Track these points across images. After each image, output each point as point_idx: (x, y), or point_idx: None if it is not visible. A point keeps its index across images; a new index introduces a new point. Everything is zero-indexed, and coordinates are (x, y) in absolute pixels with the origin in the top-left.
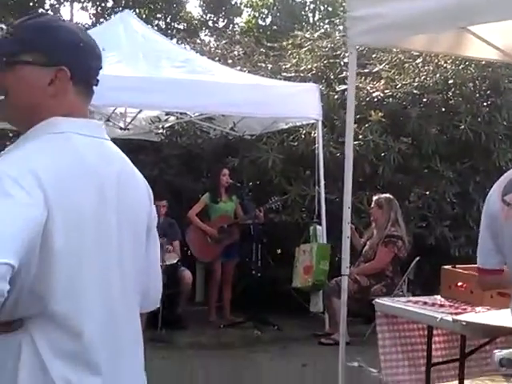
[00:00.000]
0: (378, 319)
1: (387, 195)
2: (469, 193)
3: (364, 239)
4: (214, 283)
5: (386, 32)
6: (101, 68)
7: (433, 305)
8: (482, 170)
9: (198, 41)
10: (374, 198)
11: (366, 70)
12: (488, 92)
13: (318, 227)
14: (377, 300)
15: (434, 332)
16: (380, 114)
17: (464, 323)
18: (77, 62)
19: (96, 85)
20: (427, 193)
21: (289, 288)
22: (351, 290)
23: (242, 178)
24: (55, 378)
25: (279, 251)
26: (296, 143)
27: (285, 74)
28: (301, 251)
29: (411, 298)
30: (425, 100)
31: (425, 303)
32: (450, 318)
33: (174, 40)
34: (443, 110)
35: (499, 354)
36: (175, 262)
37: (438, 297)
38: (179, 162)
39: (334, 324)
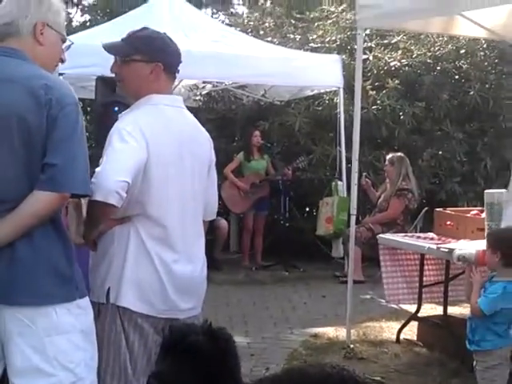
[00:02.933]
0: (381, 251)
1: (399, 154)
2: (477, 152)
3: (379, 193)
4: (246, 233)
5: (387, 17)
6: (180, 62)
7: (424, 238)
8: (490, 132)
9: (232, 10)
10: (388, 156)
11: (386, 41)
12: (496, 61)
13: (339, 182)
14: (380, 235)
15: (428, 261)
16: (396, 81)
17: (445, 250)
18: (166, 60)
19: (178, 72)
20: (439, 152)
21: (313, 237)
22: (366, 237)
23: (272, 139)
24: (150, 250)
25: (305, 204)
26: (320, 108)
27: (312, 44)
28: (324, 203)
29: (408, 234)
30: (438, 68)
31: (418, 237)
32: (434, 246)
33: (209, 10)
34: (456, 77)
35: (458, 251)
36: None
37: (431, 233)
38: (215, 125)
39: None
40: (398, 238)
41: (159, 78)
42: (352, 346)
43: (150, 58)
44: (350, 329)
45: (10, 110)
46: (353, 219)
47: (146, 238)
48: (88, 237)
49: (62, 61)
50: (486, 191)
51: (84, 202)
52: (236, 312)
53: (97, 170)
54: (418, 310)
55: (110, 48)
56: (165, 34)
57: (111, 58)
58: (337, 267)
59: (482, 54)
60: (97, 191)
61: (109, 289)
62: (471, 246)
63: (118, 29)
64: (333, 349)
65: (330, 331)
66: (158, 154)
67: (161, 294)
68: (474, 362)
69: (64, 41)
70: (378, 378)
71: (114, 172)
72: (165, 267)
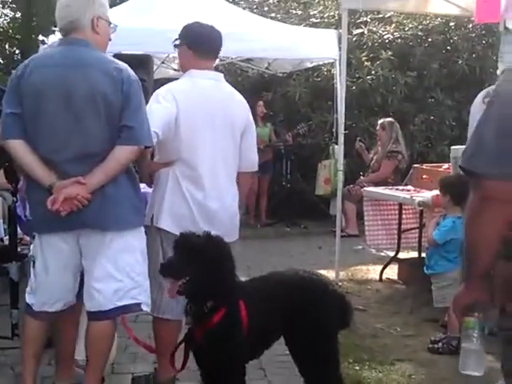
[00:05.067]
0: (365, 202)
1: (389, 119)
2: (465, 117)
3: (371, 155)
4: (251, 194)
5: None
6: (218, 46)
7: (402, 190)
8: None
9: None
10: (379, 121)
11: (380, 16)
12: (483, 32)
13: (336, 146)
14: (365, 189)
15: (406, 211)
16: (390, 53)
17: (417, 198)
18: (200, 46)
19: (217, 54)
20: (430, 118)
21: (313, 197)
22: (359, 195)
23: (275, 108)
24: (183, 186)
25: (305, 167)
26: (319, 79)
27: (312, 19)
28: (322, 166)
29: (388, 187)
30: (429, 40)
31: (397, 189)
32: (409, 196)
33: None
34: (448, 48)
35: (418, 198)
36: None
37: (409, 186)
38: None
39: (346, 221)
40: (380, 189)
41: (198, 58)
42: (340, 283)
43: (189, 44)
44: (339, 270)
45: (94, 88)
46: (340, 174)
47: (180, 177)
48: (143, 175)
49: (110, 39)
50: (452, 147)
51: None
52: (241, 261)
53: None
54: (397, 253)
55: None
56: (212, 26)
57: (126, 37)
58: (334, 223)
59: (470, 26)
60: None
61: (153, 215)
62: (430, 194)
63: (131, 10)
64: None
65: (322, 272)
66: (187, 111)
67: (191, 221)
68: (432, 285)
69: (109, 24)
70: (361, 307)
71: None
72: (194, 201)
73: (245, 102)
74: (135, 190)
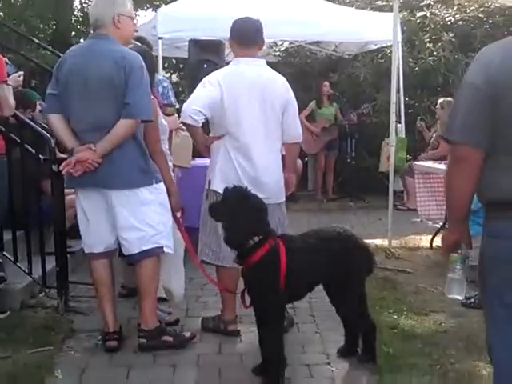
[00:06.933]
0: (416, 176)
1: (449, 99)
2: None
3: (431, 133)
4: (319, 170)
5: None
6: (257, 36)
7: None
8: None
9: None
10: (439, 100)
11: None
12: None
13: (399, 125)
14: (415, 163)
15: None
16: (451, 34)
17: None
18: (241, 38)
19: (259, 44)
20: None
21: (377, 173)
22: None
23: (341, 89)
24: (232, 156)
25: (370, 145)
26: (383, 60)
27: (378, 2)
28: (385, 144)
29: (438, 161)
30: (490, 22)
31: (445, 163)
32: None
33: None
34: (510, 29)
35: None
36: None
37: None
38: (293, 78)
39: (408, 196)
40: (428, 163)
41: (241, 48)
42: (393, 250)
43: (232, 36)
44: (392, 238)
45: (104, 73)
46: (392, 150)
47: (229, 148)
48: (199, 148)
49: (136, 31)
50: None
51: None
52: (303, 229)
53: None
54: (445, 222)
55: None
56: (249, 20)
57: (200, 24)
58: (397, 199)
59: None
60: (181, 116)
61: (209, 180)
62: None
63: None
64: (377, 252)
65: (378, 241)
66: (231, 93)
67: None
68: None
69: (133, 18)
70: (408, 270)
71: (191, 104)
72: (241, 167)
73: (286, 83)
74: (141, 154)
